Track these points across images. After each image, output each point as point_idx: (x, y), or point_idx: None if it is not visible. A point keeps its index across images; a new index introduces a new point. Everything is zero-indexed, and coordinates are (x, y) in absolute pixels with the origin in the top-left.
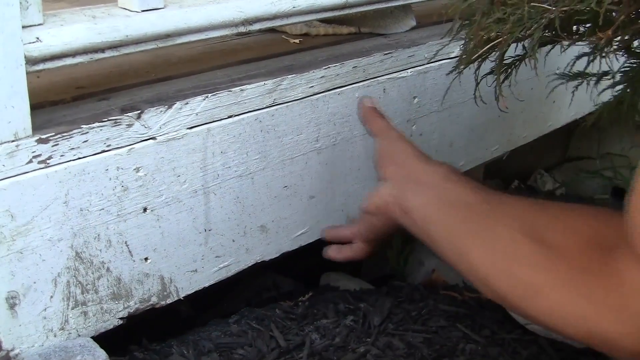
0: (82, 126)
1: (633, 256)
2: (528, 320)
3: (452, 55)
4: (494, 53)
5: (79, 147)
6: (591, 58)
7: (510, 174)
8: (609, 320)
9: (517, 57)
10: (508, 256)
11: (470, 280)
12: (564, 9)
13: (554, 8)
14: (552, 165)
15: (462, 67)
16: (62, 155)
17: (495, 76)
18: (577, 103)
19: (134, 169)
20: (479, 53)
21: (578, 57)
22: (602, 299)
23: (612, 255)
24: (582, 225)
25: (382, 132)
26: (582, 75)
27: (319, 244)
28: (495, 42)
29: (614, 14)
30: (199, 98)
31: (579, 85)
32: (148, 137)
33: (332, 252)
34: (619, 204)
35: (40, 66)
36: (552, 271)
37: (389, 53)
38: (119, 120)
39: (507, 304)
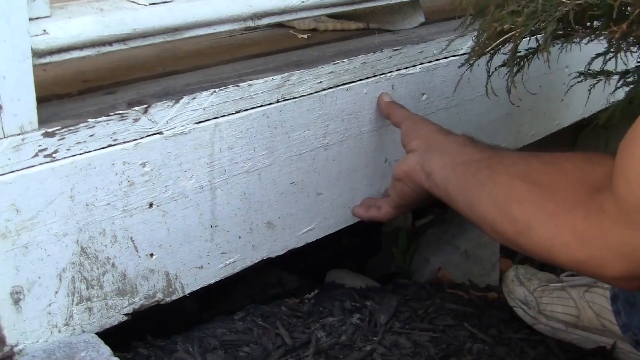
0: (89, 120)
1: (612, 193)
2: (527, 254)
3: (461, 51)
4: (506, 46)
5: (85, 141)
6: (608, 57)
7: None
8: (592, 249)
9: (530, 50)
10: (506, 199)
11: (482, 229)
12: (579, 2)
13: (568, 1)
14: None
15: (474, 59)
16: (68, 149)
17: (508, 69)
18: (586, 102)
19: (141, 164)
20: (492, 45)
21: (596, 56)
22: (585, 230)
23: (598, 193)
24: (573, 168)
25: (405, 118)
26: (602, 73)
27: (325, 241)
28: (508, 34)
29: (628, 8)
30: (207, 93)
31: (596, 83)
32: (155, 132)
33: (359, 210)
34: None
35: (47, 59)
36: (542, 208)
37: (398, 49)
38: (125, 115)
39: (509, 243)
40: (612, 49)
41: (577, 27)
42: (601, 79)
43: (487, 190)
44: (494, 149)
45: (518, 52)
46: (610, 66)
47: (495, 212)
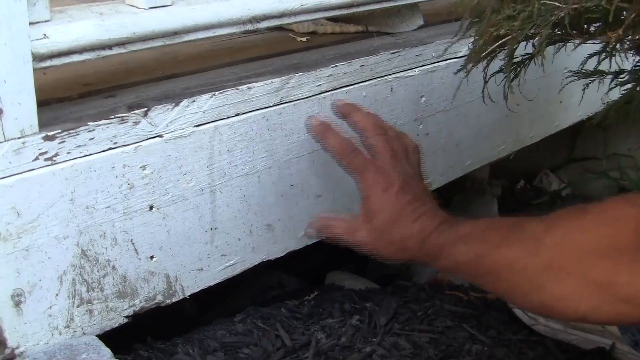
0: (89, 123)
1: None
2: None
3: (460, 54)
4: (503, 51)
5: (85, 145)
6: (602, 57)
7: (515, 174)
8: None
9: (526, 56)
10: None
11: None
12: (574, 6)
13: (564, 5)
14: (558, 165)
15: (470, 64)
16: (68, 153)
17: (505, 74)
18: (585, 103)
19: (141, 167)
20: (488, 50)
21: (590, 56)
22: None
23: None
24: (628, 214)
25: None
26: (596, 73)
27: (324, 243)
28: (505, 39)
29: (624, 12)
30: (206, 96)
31: (590, 83)
32: (155, 135)
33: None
34: None
35: (48, 63)
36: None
37: (397, 52)
38: (125, 118)
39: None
40: (607, 49)
41: (574, 31)
42: (595, 79)
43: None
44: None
45: (515, 58)
46: (604, 66)
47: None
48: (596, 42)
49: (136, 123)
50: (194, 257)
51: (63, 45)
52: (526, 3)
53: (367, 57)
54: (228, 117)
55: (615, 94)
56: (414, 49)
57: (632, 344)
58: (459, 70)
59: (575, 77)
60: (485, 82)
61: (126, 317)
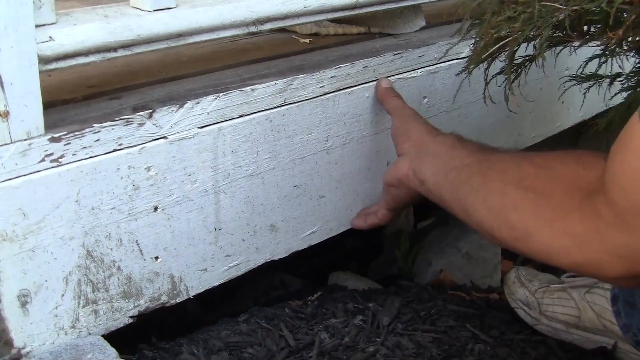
0: (94, 125)
1: (606, 197)
2: (529, 257)
3: (462, 55)
4: (503, 52)
5: (90, 146)
6: (603, 60)
7: None
8: (590, 252)
9: (527, 57)
10: (502, 206)
11: (481, 233)
12: (575, 8)
13: (564, 7)
14: None
15: (471, 66)
16: (74, 154)
17: (505, 76)
18: (586, 104)
19: (145, 168)
20: (489, 52)
21: (590, 59)
22: (582, 234)
23: (592, 196)
24: (566, 171)
25: (397, 110)
26: (594, 77)
27: (327, 243)
28: (505, 40)
29: (624, 14)
30: (210, 97)
31: (590, 87)
32: (159, 137)
33: (358, 221)
34: None
35: (53, 65)
36: (538, 214)
37: (399, 53)
38: (130, 120)
39: (509, 248)
40: (607, 52)
41: (574, 33)
42: (594, 83)
43: (482, 197)
44: (483, 151)
45: (515, 59)
46: (604, 68)
47: (492, 219)
48: (596, 44)
49: (141, 124)
50: (198, 257)
51: (68, 47)
52: (527, 5)
53: (370, 59)
54: (232, 119)
55: (619, 97)
56: (416, 50)
57: (634, 343)
58: (460, 72)
59: (574, 82)
60: (486, 83)
61: (131, 317)
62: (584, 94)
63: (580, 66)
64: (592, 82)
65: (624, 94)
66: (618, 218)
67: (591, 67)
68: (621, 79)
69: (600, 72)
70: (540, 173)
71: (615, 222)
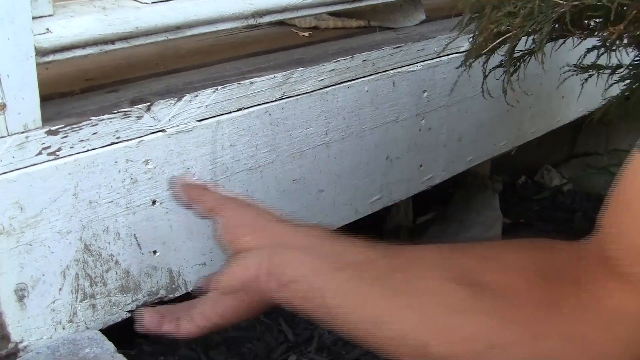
0: (92, 118)
1: (613, 277)
2: None
3: (462, 49)
4: (502, 47)
5: (88, 139)
6: (601, 51)
7: (517, 170)
8: (593, 356)
9: (526, 51)
10: (446, 312)
11: (396, 354)
12: (575, 3)
13: (564, 2)
14: (560, 161)
15: (470, 60)
16: (71, 147)
17: (505, 69)
18: (586, 98)
19: (143, 162)
20: (489, 47)
21: (589, 50)
22: (584, 333)
23: (578, 283)
24: (522, 259)
25: (220, 205)
26: (594, 67)
27: None
28: (505, 36)
29: (625, 8)
30: (209, 90)
31: (589, 77)
32: (157, 130)
33: (150, 318)
34: None
35: (50, 57)
36: (504, 317)
37: (399, 47)
38: (128, 113)
39: None
40: (606, 44)
41: (574, 29)
42: (593, 74)
43: (406, 302)
44: (379, 245)
45: (515, 53)
46: (603, 61)
47: (427, 330)
48: (597, 38)
49: (139, 118)
50: (196, 251)
51: (66, 39)
52: (527, 0)
53: (370, 52)
54: (231, 112)
55: (616, 89)
56: (416, 44)
57: None
58: (459, 66)
59: (574, 72)
60: (485, 77)
61: (129, 311)
62: (582, 84)
63: (580, 57)
64: (591, 73)
65: (622, 85)
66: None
67: (590, 59)
68: (621, 70)
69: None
70: (487, 264)
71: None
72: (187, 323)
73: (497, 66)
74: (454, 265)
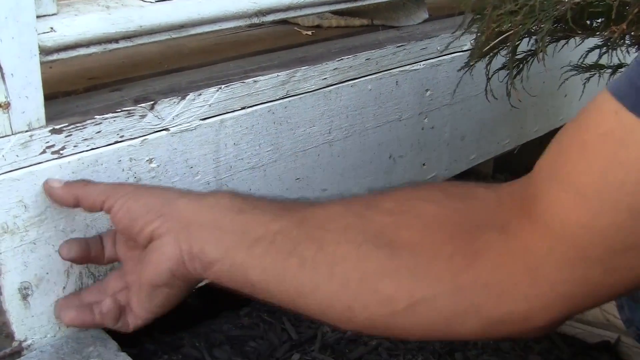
0: (96, 117)
1: (537, 223)
2: (408, 337)
3: (465, 48)
4: (505, 47)
5: (92, 138)
6: (603, 50)
7: (519, 168)
8: (514, 301)
9: (528, 52)
10: (363, 276)
11: (324, 320)
12: (577, 1)
13: (566, 0)
14: None
15: (473, 61)
16: (75, 146)
17: (507, 70)
18: (589, 97)
19: (147, 160)
20: (491, 45)
21: (591, 50)
22: (499, 282)
23: (505, 231)
24: (438, 210)
25: (109, 196)
26: (595, 67)
27: None
28: (507, 34)
29: (627, 7)
30: (212, 89)
31: (591, 77)
32: (161, 128)
33: (76, 316)
34: None
35: (54, 56)
36: (424, 273)
37: (402, 45)
38: (132, 111)
39: (382, 328)
40: (608, 43)
41: (575, 27)
42: (595, 73)
43: (324, 270)
44: (290, 210)
45: (517, 54)
46: (606, 60)
47: (349, 295)
48: (599, 37)
49: (143, 116)
50: None
51: (70, 38)
52: None
53: (373, 51)
54: (234, 111)
55: None
56: (419, 43)
57: (637, 337)
58: (462, 68)
59: (575, 72)
60: (488, 79)
61: None
62: (584, 84)
63: (582, 56)
64: (592, 72)
65: None
66: (563, 244)
67: (592, 59)
68: (623, 69)
69: (602, 63)
70: (400, 221)
71: (556, 251)
72: (132, 318)
73: (500, 68)
74: (368, 225)
